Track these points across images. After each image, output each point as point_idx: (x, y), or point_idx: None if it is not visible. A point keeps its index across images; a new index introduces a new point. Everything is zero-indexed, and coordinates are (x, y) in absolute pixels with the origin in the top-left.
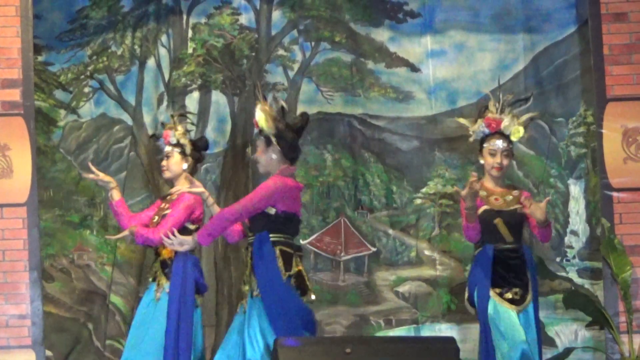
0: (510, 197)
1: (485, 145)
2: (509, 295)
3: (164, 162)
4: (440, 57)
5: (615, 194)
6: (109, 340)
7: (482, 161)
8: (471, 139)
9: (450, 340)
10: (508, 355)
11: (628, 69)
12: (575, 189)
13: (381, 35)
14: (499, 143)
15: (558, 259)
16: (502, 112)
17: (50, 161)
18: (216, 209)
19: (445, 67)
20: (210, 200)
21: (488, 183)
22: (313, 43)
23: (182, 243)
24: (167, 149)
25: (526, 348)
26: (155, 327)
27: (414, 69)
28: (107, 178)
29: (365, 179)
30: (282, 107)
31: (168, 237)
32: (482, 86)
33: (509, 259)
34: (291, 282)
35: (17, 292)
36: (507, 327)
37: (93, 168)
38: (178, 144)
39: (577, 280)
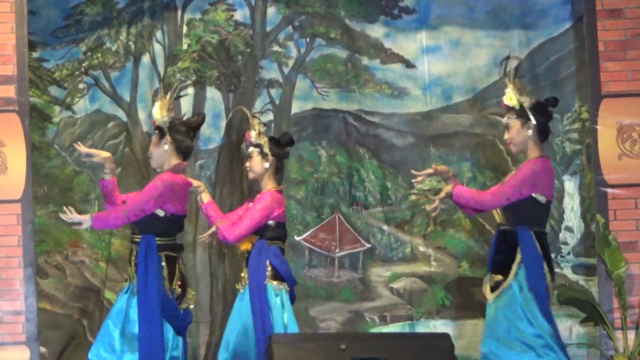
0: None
1: None
2: (492, 283)
3: (247, 164)
4: (436, 53)
5: (610, 190)
6: None
7: None
8: None
9: (445, 337)
10: None
11: (623, 65)
12: (570, 185)
13: (376, 31)
14: (505, 118)
15: (553, 255)
16: (504, 84)
17: (44, 157)
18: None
19: (440, 63)
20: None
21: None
22: (308, 39)
23: (81, 222)
24: (250, 149)
25: (485, 351)
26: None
27: (409, 65)
28: (196, 182)
29: (360, 175)
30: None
31: (67, 215)
32: (477, 82)
33: (499, 242)
34: (174, 289)
35: (12, 288)
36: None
37: (194, 182)
38: (257, 144)
39: (572, 276)
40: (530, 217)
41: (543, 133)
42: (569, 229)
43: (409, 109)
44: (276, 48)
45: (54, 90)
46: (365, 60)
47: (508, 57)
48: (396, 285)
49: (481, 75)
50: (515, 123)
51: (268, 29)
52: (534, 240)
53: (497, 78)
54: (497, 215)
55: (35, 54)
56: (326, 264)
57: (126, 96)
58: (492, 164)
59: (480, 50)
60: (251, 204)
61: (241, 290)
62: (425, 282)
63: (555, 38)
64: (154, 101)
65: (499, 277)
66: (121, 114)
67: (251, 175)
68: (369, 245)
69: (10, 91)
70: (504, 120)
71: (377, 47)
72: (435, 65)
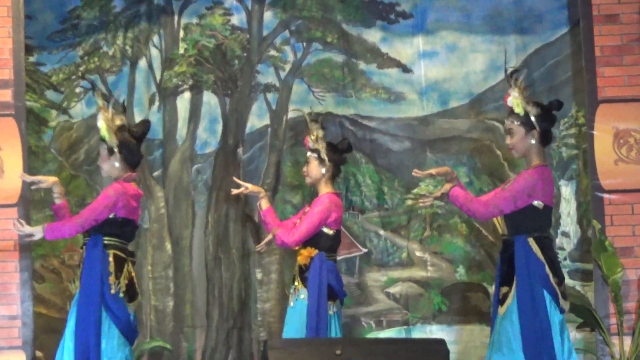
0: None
1: None
2: (501, 296)
3: (304, 168)
4: (432, 58)
5: (606, 195)
6: None
7: None
8: None
9: (441, 342)
10: None
11: (619, 70)
12: (567, 190)
13: (373, 36)
14: (507, 120)
15: None
16: (509, 85)
17: (41, 162)
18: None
19: (437, 68)
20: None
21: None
22: (305, 43)
23: (33, 233)
24: (307, 154)
25: None
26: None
27: (405, 69)
28: (257, 188)
29: (356, 180)
30: (125, 109)
31: (17, 228)
32: (474, 87)
33: (502, 253)
34: (120, 290)
35: (8, 292)
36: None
37: (241, 182)
38: (315, 150)
39: (568, 281)
40: (528, 224)
41: (546, 138)
42: (565, 234)
43: (406, 113)
44: (273, 52)
45: (50, 94)
46: (361, 65)
47: (516, 70)
48: (392, 290)
49: (478, 80)
50: (519, 130)
51: (265, 33)
52: (529, 248)
53: (494, 83)
54: (499, 226)
55: (32, 58)
56: None
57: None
58: (488, 169)
59: (477, 55)
60: (308, 208)
61: (292, 304)
62: (422, 287)
63: (551, 43)
64: (150, 106)
65: (506, 289)
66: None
67: (308, 180)
68: (365, 250)
69: (6, 95)
70: (506, 123)
71: (373, 52)
72: (431, 70)
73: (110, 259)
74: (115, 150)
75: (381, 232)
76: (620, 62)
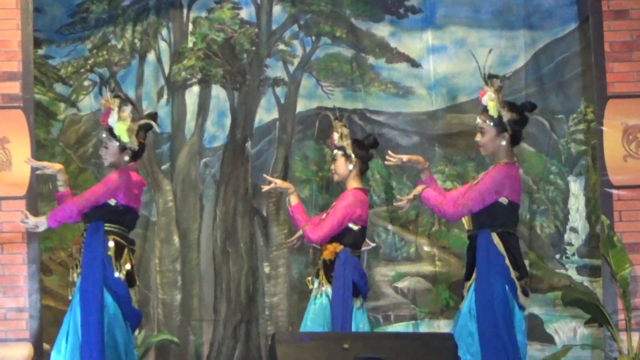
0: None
1: None
2: (465, 290)
3: (332, 166)
4: (441, 52)
5: (615, 191)
6: None
7: None
8: None
9: (449, 337)
10: None
11: (629, 66)
12: (575, 186)
13: (382, 30)
14: (477, 118)
15: (557, 256)
16: (486, 83)
17: (49, 155)
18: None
19: (445, 63)
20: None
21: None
22: (313, 38)
23: (37, 225)
24: (334, 152)
25: None
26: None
27: (414, 64)
28: (285, 184)
29: (365, 175)
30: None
31: (23, 221)
32: (483, 82)
33: (468, 249)
34: (122, 268)
35: (15, 285)
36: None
37: (271, 179)
38: (341, 147)
39: (576, 277)
40: (492, 220)
41: (516, 139)
42: (574, 230)
43: (414, 108)
44: (281, 46)
45: (59, 87)
46: (370, 60)
47: (494, 76)
48: (400, 284)
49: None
50: (490, 130)
51: (273, 27)
52: (491, 241)
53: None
54: (465, 221)
55: (40, 51)
56: None
57: (131, 94)
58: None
59: (486, 50)
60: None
61: (318, 296)
62: (430, 281)
63: (560, 39)
64: (158, 99)
65: (469, 284)
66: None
67: (336, 177)
68: (373, 245)
69: (15, 88)
70: (479, 121)
71: (382, 47)
72: (440, 64)
73: (111, 244)
74: (134, 149)
75: (389, 226)
76: (629, 58)
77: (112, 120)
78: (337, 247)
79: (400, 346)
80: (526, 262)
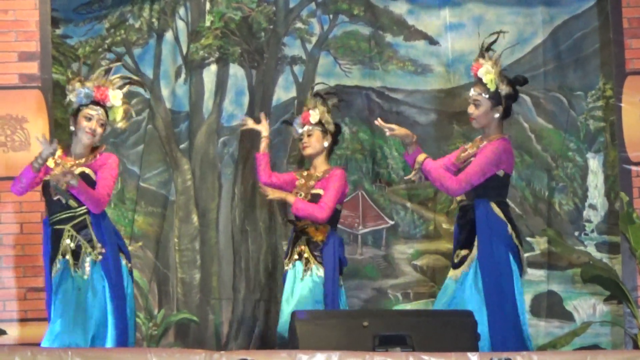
0: (473, 149)
1: None
2: (455, 259)
3: (305, 140)
4: (459, 30)
5: (634, 167)
6: None
7: None
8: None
9: (468, 314)
10: None
11: None
12: (594, 163)
13: (399, 8)
14: (471, 90)
15: (576, 233)
16: (482, 56)
17: (67, 134)
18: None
19: (463, 40)
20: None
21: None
22: (331, 16)
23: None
24: (307, 128)
25: None
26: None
27: (432, 42)
28: (259, 127)
29: (383, 152)
30: None
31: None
32: (501, 59)
33: (460, 218)
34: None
35: (35, 264)
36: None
37: (249, 120)
38: (320, 123)
39: (595, 254)
40: (489, 191)
41: (507, 113)
42: (592, 207)
43: (432, 85)
44: (299, 25)
45: (76, 67)
46: (388, 37)
47: (491, 44)
48: (419, 262)
49: (504, 53)
50: (485, 103)
51: (291, 5)
52: (491, 209)
53: (521, 55)
54: None
55: (58, 31)
56: (349, 241)
57: (149, 73)
58: (515, 141)
59: (504, 28)
60: (302, 179)
61: (307, 276)
62: (448, 259)
63: (579, 15)
64: (176, 78)
65: (465, 252)
66: (144, 90)
67: (309, 151)
68: (392, 222)
69: (33, 68)
70: (473, 94)
71: (400, 24)
72: (458, 42)
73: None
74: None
75: (408, 204)
76: None
77: (115, 100)
78: (326, 227)
79: (420, 323)
80: (545, 239)
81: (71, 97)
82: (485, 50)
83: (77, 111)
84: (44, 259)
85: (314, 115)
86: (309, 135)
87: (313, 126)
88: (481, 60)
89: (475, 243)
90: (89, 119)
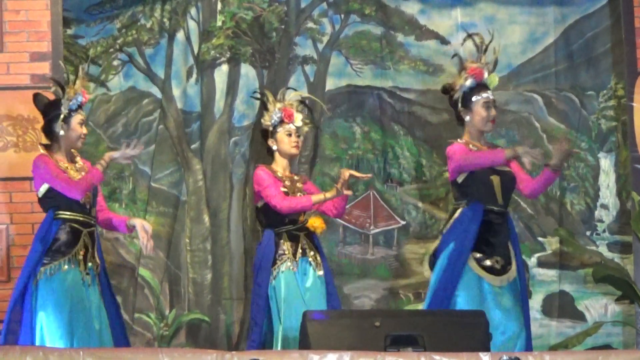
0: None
1: (475, 98)
2: (487, 263)
3: (295, 140)
4: (471, 29)
5: None
6: (138, 314)
7: (467, 118)
8: (455, 96)
9: (480, 314)
10: None
11: None
12: (606, 163)
13: (411, 7)
14: (490, 94)
15: (588, 233)
16: (479, 60)
17: None
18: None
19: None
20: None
21: (475, 140)
22: (342, 16)
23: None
24: (296, 127)
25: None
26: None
27: (444, 41)
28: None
29: (394, 152)
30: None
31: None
32: (512, 59)
33: (495, 223)
34: None
35: None
36: (472, 297)
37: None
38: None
39: (607, 254)
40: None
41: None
42: (604, 207)
43: None
44: (310, 25)
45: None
46: (400, 37)
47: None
48: None
49: (516, 52)
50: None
51: (302, 5)
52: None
53: (532, 55)
54: (499, 196)
55: (69, 31)
56: (360, 241)
57: (160, 73)
58: (526, 141)
59: (515, 27)
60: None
61: (319, 272)
62: None
63: (590, 14)
64: (187, 78)
65: (503, 261)
66: (155, 90)
67: (296, 151)
68: (403, 222)
69: (45, 68)
70: (492, 97)
71: (412, 24)
72: (470, 42)
73: None
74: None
75: (419, 204)
76: None
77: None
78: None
79: (432, 323)
80: (557, 239)
81: (69, 104)
82: (483, 52)
83: (67, 116)
84: (36, 247)
85: (298, 120)
86: (298, 136)
87: (298, 128)
88: (476, 65)
89: (512, 254)
90: (81, 124)
